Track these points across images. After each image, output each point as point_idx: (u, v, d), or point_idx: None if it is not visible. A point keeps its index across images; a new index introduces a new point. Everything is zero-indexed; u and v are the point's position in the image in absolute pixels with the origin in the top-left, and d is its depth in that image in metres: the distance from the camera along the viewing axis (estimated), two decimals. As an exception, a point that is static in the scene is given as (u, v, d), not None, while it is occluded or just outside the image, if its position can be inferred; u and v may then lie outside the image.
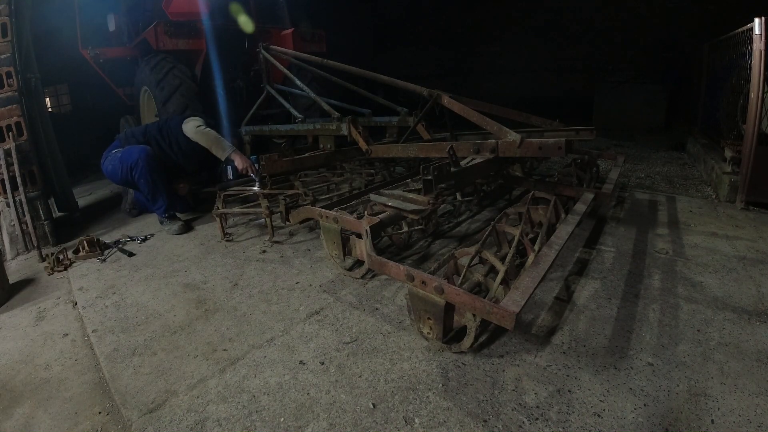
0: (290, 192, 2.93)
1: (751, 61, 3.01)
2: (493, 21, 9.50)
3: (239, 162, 3.12)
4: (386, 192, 2.26)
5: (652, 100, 6.76)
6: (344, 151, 3.09)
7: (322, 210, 2.23)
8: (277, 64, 3.89)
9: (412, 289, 1.55)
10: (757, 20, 2.89)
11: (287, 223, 2.52)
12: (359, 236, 2.03)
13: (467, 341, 1.51)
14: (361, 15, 11.34)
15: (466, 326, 1.51)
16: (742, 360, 1.48)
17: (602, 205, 2.94)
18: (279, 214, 2.54)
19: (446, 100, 2.53)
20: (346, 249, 2.17)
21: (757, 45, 2.88)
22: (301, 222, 2.49)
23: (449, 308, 1.50)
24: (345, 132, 2.88)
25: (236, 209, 2.98)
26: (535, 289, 1.39)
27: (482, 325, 1.61)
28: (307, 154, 2.98)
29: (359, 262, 2.23)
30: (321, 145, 3.18)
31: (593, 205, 2.52)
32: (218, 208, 2.87)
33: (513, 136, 2.06)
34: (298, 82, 3.72)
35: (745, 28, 3.27)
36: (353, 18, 10.91)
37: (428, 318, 1.56)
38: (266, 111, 4.80)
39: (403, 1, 10.86)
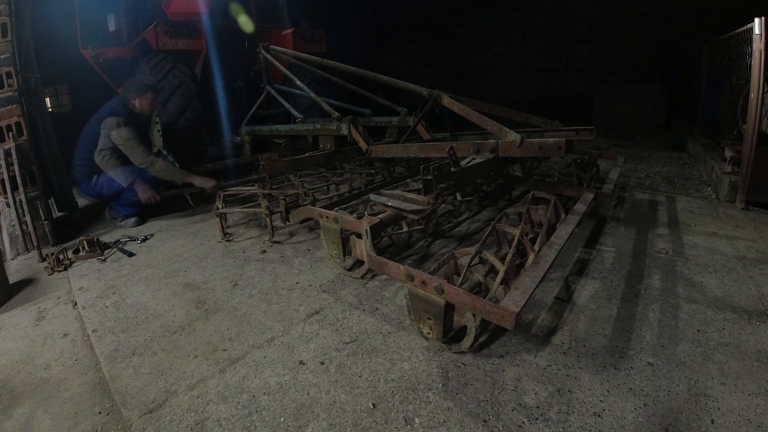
0: (290, 192, 2.93)
1: (751, 61, 3.01)
2: (494, 21, 9.50)
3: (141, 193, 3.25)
4: (386, 192, 2.26)
5: (652, 100, 6.76)
6: (344, 151, 3.09)
7: (322, 210, 2.23)
8: (277, 64, 3.89)
9: (412, 289, 1.55)
10: (757, 20, 2.89)
11: (287, 223, 2.52)
12: (359, 236, 2.03)
13: (467, 341, 1.51)
14: (360, 15, 11.34)
15: (466, 326, 1.51)
16: (742, 360, 1.48)
17: (602, 205, 2.95)
18: (279, 214, 2.54)
19: (446, 100, 2.53)
20: (346, 249, 2.17)
21: (757, 45, 2.88)
22: (301, 222, 2.49)
23: (449, 308, 1.50)
24: (345, 132, 2.88)
25: (236, 209, 2.98)
26: (535, 289, 1.39)
27: (482, 325, 1.61)
28: (307, 154, 2.98)
29: (359, 262, 2.23)
30: (321, 145, 3.18)
31: (593, 205, 2.52)
32: (218, 208, 2.87)
33: (513, 136, 2.06)
34: (298, 82, 3.72)
35: (745, 28, 3.27)
36: (353, 18, 10.91)
37: (428, 318, 1.56)
38: (266, 111, 4.80)
39: (404, 0, 10.86)
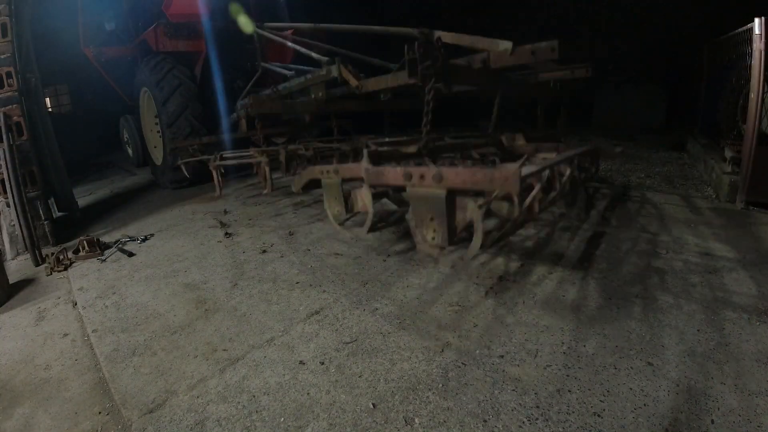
0: (291, 147, 2.85)
1: (751, 61, 3.01)
2: (495, 22, 9.50)
3: None
4: (381, 141, 2.24)
5: (652, 100, 6.75)
6: (335, 99, 3.05)
7: (323, 167, 2.18)
8: (274, 37, 3.87)
9: (412, 190, 1.50)
10: (757, 20, 2.89)
11: (286, 174, 2.45)
12: (359, 194, 1.98)
13: (476, 241, 1.43)
14: (361, 16, 11.34)
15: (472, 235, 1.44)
16: (742, 360, 1.48)
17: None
18: (280, 184, 2.49)
19: (438, 34, 2.47)
20: (348, 205, 2.11)
21: (757, 45, 2.87)
22: (304, 187, 2.41)
23: (451, 200, 1.45)
24: (335, 73, 2.85)
25: (232, 161, 2.89)
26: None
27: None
28: (298, 99, 2.91)
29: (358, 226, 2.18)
30: (312, 95, 3.16)
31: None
32: (215, 160, 2.80)
33: (504, 44, 1.97)
34: (290, 44, 3.70)
35: (745, 28, 3.27)
36: (353, 19, 10.91)
37: (431, 219, 1.49)
38: (262, 91, 4.79)
39: (405, 1, 10.87)
